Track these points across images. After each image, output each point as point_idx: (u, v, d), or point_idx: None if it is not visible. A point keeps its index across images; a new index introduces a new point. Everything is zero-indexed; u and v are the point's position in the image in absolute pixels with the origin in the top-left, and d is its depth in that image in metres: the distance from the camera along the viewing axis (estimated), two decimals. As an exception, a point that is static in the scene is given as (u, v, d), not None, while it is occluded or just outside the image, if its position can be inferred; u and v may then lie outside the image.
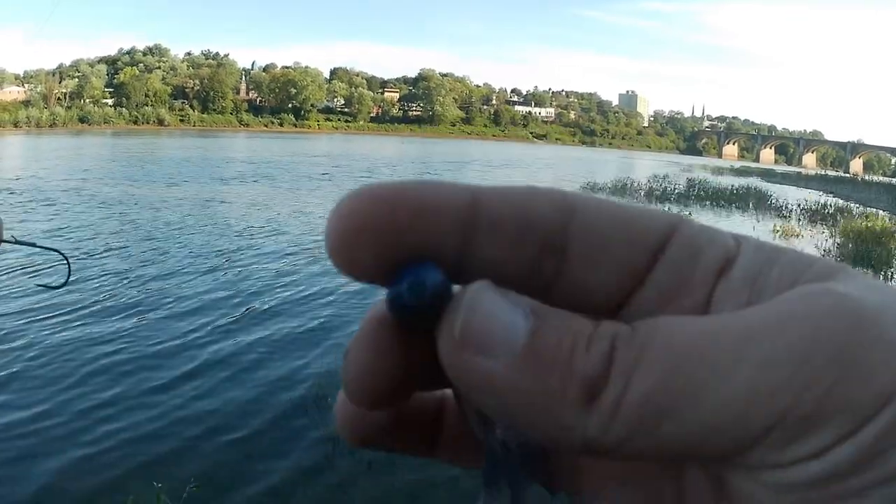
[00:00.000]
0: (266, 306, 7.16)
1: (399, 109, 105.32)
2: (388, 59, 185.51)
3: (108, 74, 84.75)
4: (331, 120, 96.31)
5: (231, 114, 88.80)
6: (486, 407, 0.19)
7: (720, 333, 0.17)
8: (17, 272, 7.70)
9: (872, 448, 0.16)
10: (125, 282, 7.95)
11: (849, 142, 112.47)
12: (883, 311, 0.17)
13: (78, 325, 6.15)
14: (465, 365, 0.18)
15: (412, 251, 0.19)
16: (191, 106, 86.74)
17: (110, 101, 79.94)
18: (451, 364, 0.19)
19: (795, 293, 0.18)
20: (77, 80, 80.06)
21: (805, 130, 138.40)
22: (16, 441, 4.12)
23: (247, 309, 7.01)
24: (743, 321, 0.17)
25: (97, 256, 9.22)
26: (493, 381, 0.18)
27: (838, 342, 0.16)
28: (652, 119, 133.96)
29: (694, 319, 0.18)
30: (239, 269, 8.85)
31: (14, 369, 5.19)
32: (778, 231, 15.46)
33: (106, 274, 8.27)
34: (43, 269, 7.46)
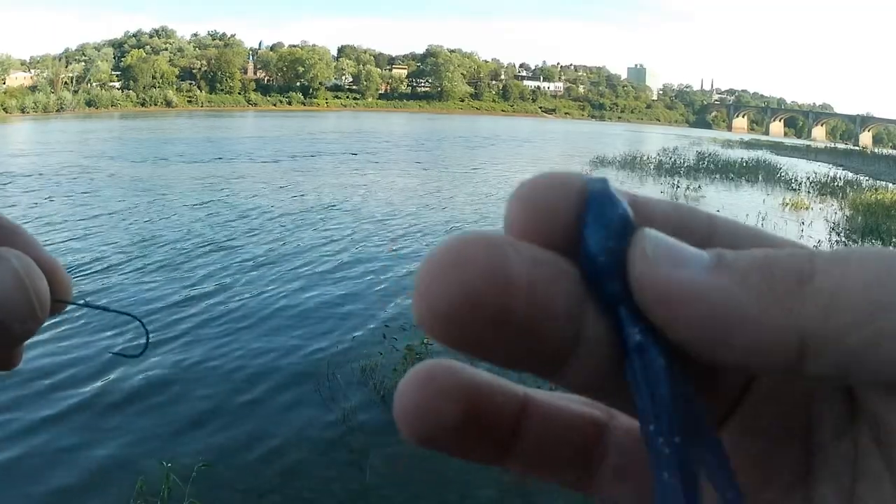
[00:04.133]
0: (278, 283, 7.21)
1: (407, 86, 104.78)
2: (396, 35, 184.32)
3: (114, 57, 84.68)
4: (339, 97, 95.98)
5: (239, 93, 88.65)
6: (686, 322, 0.18)
7: None
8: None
9: None
10: (130, 261, 8.01)
11: (858, 115, 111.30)
12: None
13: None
14: (664, 278, 0.18)
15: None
16: (198, 87, 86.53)
17: (117, 84, 79.90)
18: (649, 282, 0.19)
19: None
20: (83, 63, 79.96)
21: (815, 103, 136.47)
22: (30, 427, 4.20)
23: (253, 286, 7.07)
24: None
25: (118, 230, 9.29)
26: (694, 286, 0.18)
27: None
28: (661, 92, 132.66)
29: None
30: (253, 243, 8.91)
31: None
32: (787, 204, 15.41)
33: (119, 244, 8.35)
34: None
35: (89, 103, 70.76)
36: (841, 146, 64.86)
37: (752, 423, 0.23)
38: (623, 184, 18.01)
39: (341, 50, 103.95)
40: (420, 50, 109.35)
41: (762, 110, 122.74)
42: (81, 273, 7.42)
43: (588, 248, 0.19)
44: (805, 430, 0.22)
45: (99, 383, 4.78)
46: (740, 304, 0.18)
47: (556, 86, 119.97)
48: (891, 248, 0.19)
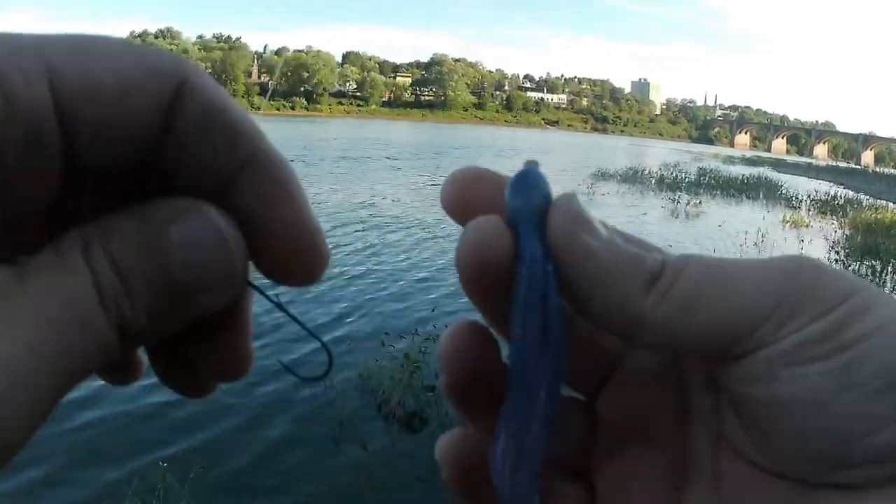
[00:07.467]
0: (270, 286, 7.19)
1: (411, 94, 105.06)
2: (401, 43, 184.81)
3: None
4: (343, 104, 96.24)
5: (243, 97, 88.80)
6: (576, 273, 0.26)
7: (730, 265, 0.26)
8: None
9: (832, 326, 0.23)
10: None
11: (860, 133, 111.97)
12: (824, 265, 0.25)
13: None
14: (575, 237, 0.26)
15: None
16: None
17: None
18: (564, 233, 0.26)
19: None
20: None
21: (817, 121, 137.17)
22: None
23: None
24: (747, 261, 0.26)
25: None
26: (591, 252, 0.25)
27: (810, 268, 0.25)
28: (664, 107, 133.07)
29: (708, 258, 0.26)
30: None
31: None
32: (787, 221, 15.43)
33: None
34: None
35: (93, 104, 70.68)
36: (843, 164, 64.99)
37: (637, 374, 0.31)
38: (624, 196, 18.11)
39: (346, 56, 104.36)
40: (425, 58, 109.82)
41: (765, 127, 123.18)
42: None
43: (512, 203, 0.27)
44: (678, 384, 0.30)
45: (90, 384, 4.77)
46: (609, 278, 0.26)
47: (560, 97, 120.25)
48: (717, 255, 0.25)
